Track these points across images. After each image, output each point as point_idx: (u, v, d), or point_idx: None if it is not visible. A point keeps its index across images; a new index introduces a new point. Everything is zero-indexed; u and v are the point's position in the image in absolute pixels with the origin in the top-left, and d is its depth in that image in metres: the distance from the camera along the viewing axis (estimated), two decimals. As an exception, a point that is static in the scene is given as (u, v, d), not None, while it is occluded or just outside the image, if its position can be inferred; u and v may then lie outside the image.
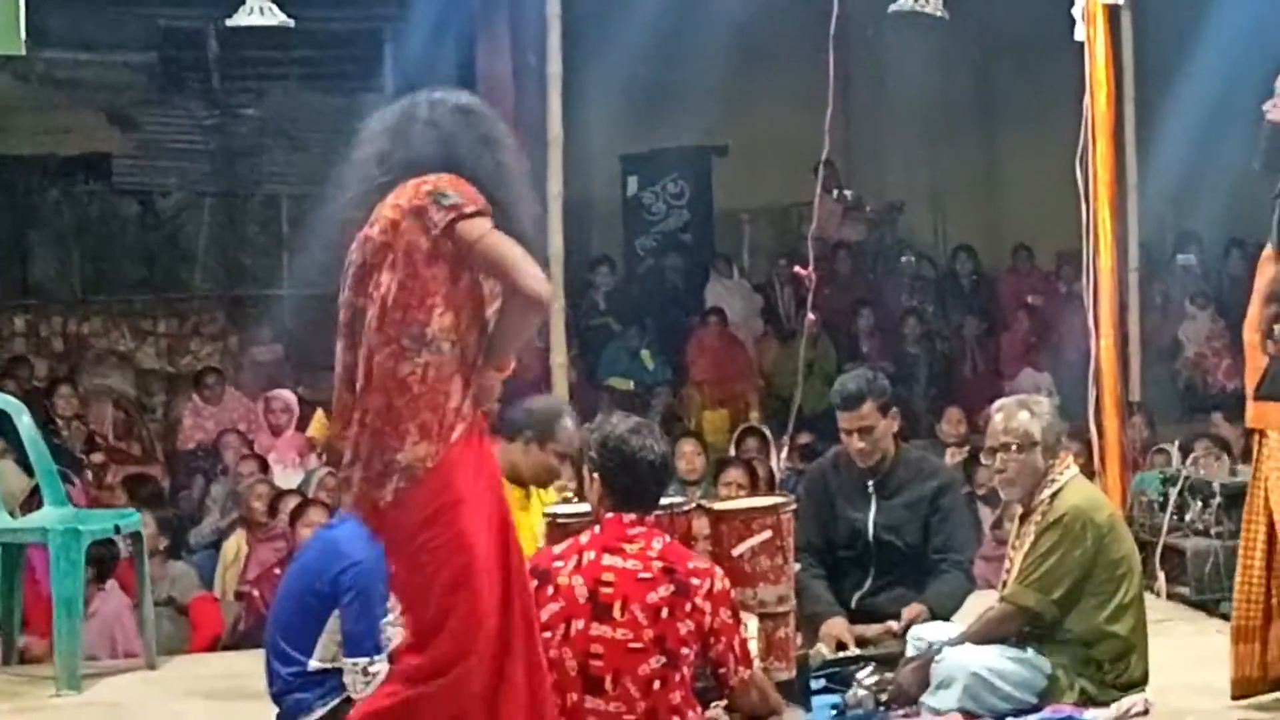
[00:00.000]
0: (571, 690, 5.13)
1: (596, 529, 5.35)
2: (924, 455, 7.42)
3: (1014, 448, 6.16)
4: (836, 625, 6.61)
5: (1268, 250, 5.96)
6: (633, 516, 5.30)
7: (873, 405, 6.73)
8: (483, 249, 4.41)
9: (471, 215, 4.42)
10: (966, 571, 6.85)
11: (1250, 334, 5.97)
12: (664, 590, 5.16)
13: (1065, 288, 14.12)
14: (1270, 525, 6.07)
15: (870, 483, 6.83)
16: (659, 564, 5.22)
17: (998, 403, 6.45)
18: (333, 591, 5.85)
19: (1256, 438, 6.11)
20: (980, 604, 6.52)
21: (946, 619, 6.50)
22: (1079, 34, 8.53)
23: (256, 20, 6.89)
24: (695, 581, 5.21)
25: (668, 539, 5.34)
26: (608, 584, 5.22)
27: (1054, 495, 6.11)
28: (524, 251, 4.43)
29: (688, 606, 5.18)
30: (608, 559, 5.24)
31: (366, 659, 5.82)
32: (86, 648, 7.50)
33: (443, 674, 4.44)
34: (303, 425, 11.59)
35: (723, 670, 5.25)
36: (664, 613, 5.14)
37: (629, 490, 5.34)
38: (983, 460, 7.37)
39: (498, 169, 4.58)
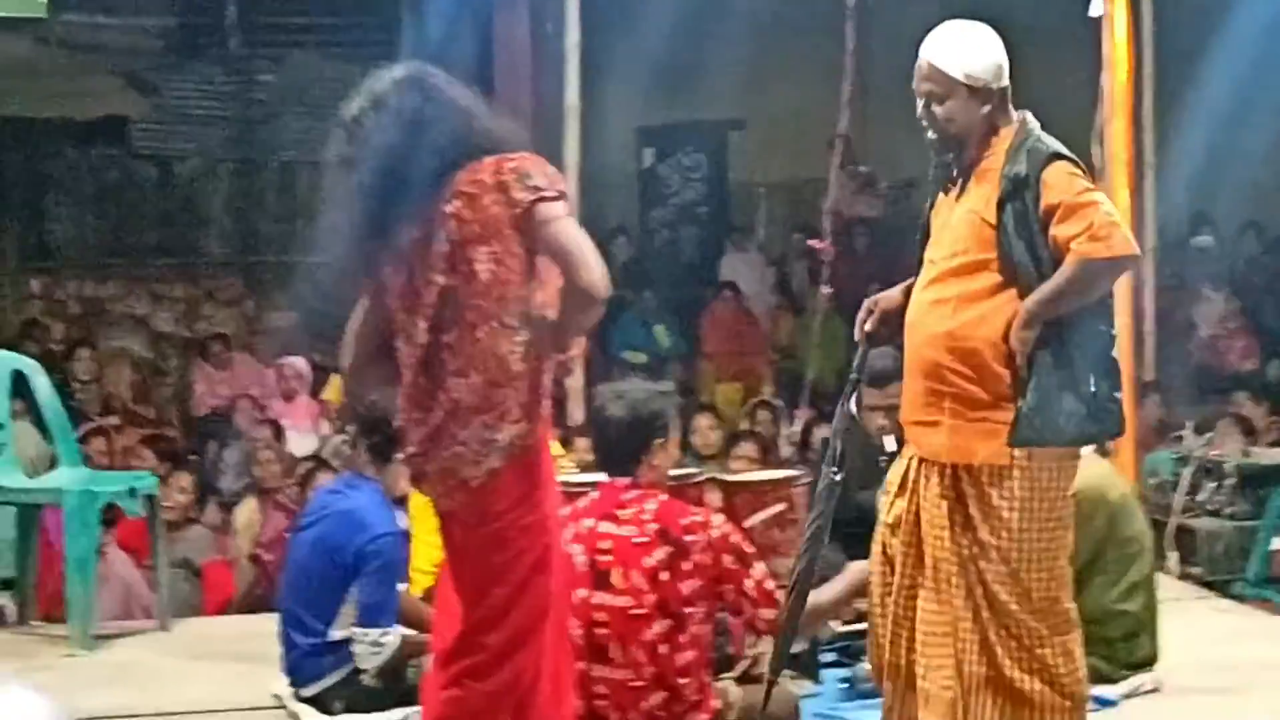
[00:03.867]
0: (579, 659, 5.15)
1: (594, 495, 5.35)
2: None
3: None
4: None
5: None
6: (627, 480, 5.31)
7: (900, 385, 6.72)
8: (551, 233, 4.36)
9: (552, 199, 4.41)
10: None
11: None
12: (660, 553, 5.12)
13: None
14: None
15: (882, 460, 6.82)
16: (654, 526, 5.20)
17: None
18: (355, 563, 5.88)
19: None
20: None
21: None
22: (1095, 10, 8.52)
23: (277, -14, 6.86)
24: (690, 538, 5.20)
25: (663, 498, 5.27)
26: (605, 551, 5.22)
27: (1067, 473, 6.11)
28: (590, 244, 4.38)
29: (687, 565, 5.17)
30: (604, 526, 5.24)
31: (379, 630, 5.86)
32: (100, 608, 7.55)
33: (511, 655, 4.43)
34: (316, 391, 11.62)
35: (743, 616, 5.25)
36: (663, 576, 5.11)
37: (604, 451, 5.36)
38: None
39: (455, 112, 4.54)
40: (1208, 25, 11.94)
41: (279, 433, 10.57)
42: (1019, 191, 4.78)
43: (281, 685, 6.14)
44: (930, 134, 4.95)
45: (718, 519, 5.32)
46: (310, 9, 13.68)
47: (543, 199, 4.38)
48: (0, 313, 13.62)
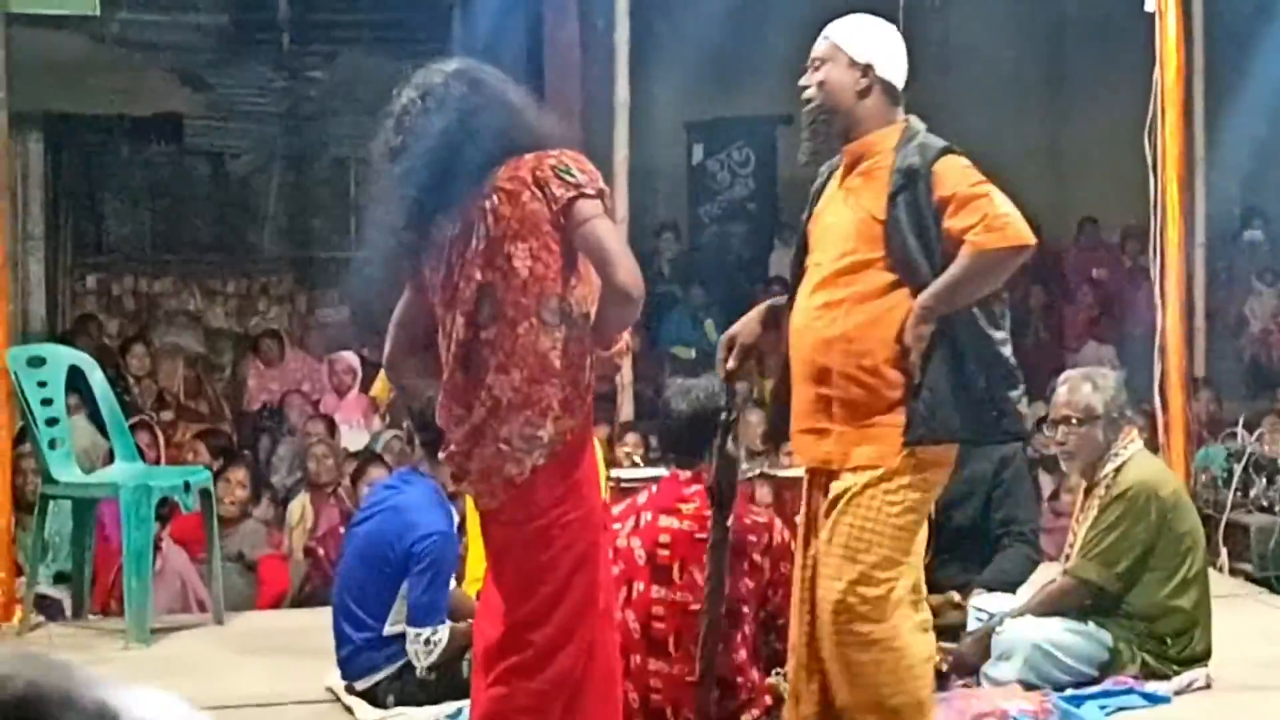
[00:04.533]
0: (635, 652, 5.16)
1: (653, 489, 5.36)
2: None
3: (1075, 420, 6.17)
4: None
5: None
6: (688, 475, 5.31)
7: None
8: (587, 231, 4.36)
9: (591, 196, 4.41)
10: (1032, 543, 6.82)
11: None
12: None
13: (1130, 261, 14.07)
14: None
15: None
16: (715, 523, 5.22)
17: (1064, 374, 6.46)
18: (404, 560, 5.91)
19: None
20: (1042, 577, 6.53)
21: (1011, 592, 6.51)
22: (1149, 5, 8.49)
23: (330, -16, 6.87)
24: (752, 538, 5.21)
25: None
26: (665, 545, 5.24)
27: (1118, 469, 6.12)
28: (625, 245, 4.41)
29: (745, 564, 5.18)
30: (664, 520, 5.26)
31: (430, 629, 5.88)
32: (155, 602, 7.60)
33: (556, 652, 4.44)
34: (367, 386, 11.67)
35: (782, 622, 5.26)
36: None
37: (675, 440, 5.37)
38: (1045, 431, 7.37)
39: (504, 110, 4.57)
40: (1259, 21, 11.89)
41: (331, 428, 10.62)
42: (910, 184, 4.71)
43: (335, 679, 6.18)
44: (803, 103, 4.92)
45: (778, 524, 5.33)
46: (362, 6, 13.72)
47: (581, 195, 4.39)
48: (56, 308, 13.70)
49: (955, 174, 4.70)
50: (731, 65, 14.25)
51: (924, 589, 4.87)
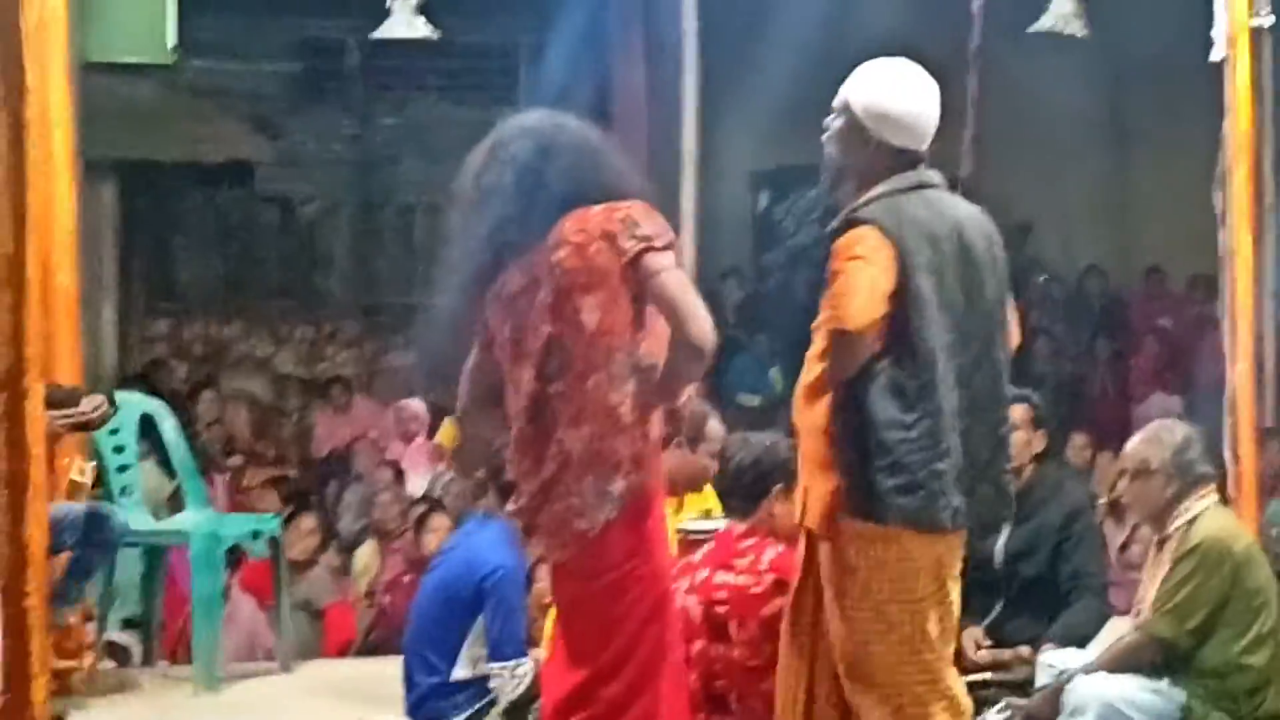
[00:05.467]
0: (697, 711, 5.14)
1: (710, 545, 5.35)
2: (1062, 479, 7.24)
3: (1130, 474, 6.15)
4: (975, 632, 6.55)
5: None
6: (743, 528, 5.30)
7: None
8: (659, 284, 4.38)
9: (660, 249, 4.42)
10: (1102, 597, 6.77)
11: None
12: (777, 603, 5.13)
13: (1197, 310, 13.99)
14: None
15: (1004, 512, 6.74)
16: (770, 576, 5.20)
17: (1147, 426, 6.42)
18: (475, 598, 5.93)
19: None
20: (1113, 632, 6.48)
21: (1081, 647, 6.46)
22: (1216, 55, 8.45)
23: (403, 33, 6.92)
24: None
25: (781, 548, 5.30)
26: (721, 602, 5.22)
27: (1189, 523, 6.07)
28: (696, 297, 4.39)
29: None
30: (720, 576, 5.24)
31: (514, 661, 5.89)
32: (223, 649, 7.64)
33: (628, 706, 4.43)
34: (433, 432, 11.69)
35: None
36: (780, 626, 5.13)
37: (732, 496, 5.36)
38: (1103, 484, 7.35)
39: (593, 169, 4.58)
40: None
41: (398, 475, 10.65)
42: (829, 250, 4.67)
43: (401, 724, 6.20)
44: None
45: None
46: (432, 55, 13.78)
47: (650, 249, 4.39)
48: (127, 353, 13.80)
49: (839, 246, 4.62)
50: (797, 113, 14.14)
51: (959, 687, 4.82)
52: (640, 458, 4.44)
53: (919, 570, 4.70)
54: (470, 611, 5.97)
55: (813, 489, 4.69)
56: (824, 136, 4.89)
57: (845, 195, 4.84)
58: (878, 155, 4.77)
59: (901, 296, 4.60)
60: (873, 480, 4.58)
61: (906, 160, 4.79)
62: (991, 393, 4.81)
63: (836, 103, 4.87)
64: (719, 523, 5.73)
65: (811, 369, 4.72)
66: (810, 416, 4.69)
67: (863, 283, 4.51)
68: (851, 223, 4.66)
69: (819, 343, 4.70)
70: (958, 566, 4.82)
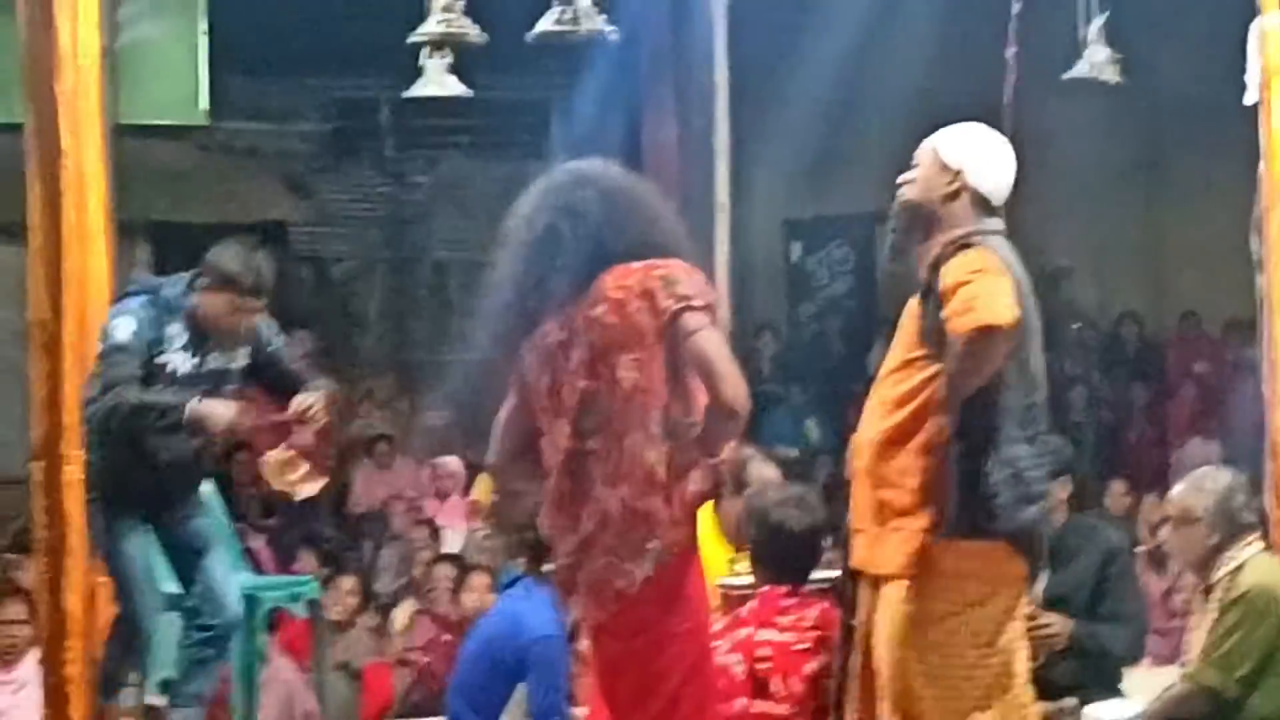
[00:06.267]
0: (742, 767, 5.11)
1: (753, 603, 5.33)
2: (1096, 524, 7.22)
3: (1174, 521, 6.13)
4: None
5: None
6: (785, 589, 5.28)
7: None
8: (695, 344, 4.38)
9: (699, 309, 4.41)
10: (1137, 630, 6.69)
11: None
12: (821, 659, 5.13)
13: (1234, 356, 13.92)
14: None
15: None
16: (814, 633, 5.18)
17: (1192, 473, 6.40)
18: (517, 662, 5.91)
19: None
20: (1159, 682, 6.42)
21: (1115, 658, 6.38)
22: (1250, 98, 8.42)
23: (435, 90, 6.92)
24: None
25: (824, 605, 5.29)
26: (764, 659, 5.19)
27: (1235, 572, 6.02)
28: (731, 358, 4.40)
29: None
30: (762, 634, 5.21)
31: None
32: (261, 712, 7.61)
33: None
34: (469, 490, 11.67)
35: None
36: (824, 683, 5.10)
37: (776, 562, 5.33)
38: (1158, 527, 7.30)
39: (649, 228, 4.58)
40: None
41: (435, 533, 10.63)
42: (932, 280, 4.75)
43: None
44: (894, 203, 4.98)
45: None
46: (463, 110, 13.81)
47: (689, 308, 4.38)
48: (163, 416, 13.80)
49: (958, 264, 4.71)
50: (829, 163, 14.28)
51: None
52: (678, 515, 4.43)
53: (1011, 596, 4.78)
54: (513, 677, 5.95)
55: (888, 537, 4.74)
56: (902, 179, 5.00)
57: (917, 239, 4.95)
58: (962, 201, 4.91)
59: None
60: (995, 492, 4.67)
61: (986, 211, 4.94)
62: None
63: (920, 154, 5.01)
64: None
65: (887, 417, 4.77)
66: (895, 463, 4.74)
67: (1001, 285, 4.64)
68: (963, 246, 4.76)
69: (898, 384, 4.77)
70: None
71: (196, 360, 6.33)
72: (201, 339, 6.36)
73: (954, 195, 4.91)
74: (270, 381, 6.57)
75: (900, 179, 5.02)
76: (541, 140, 13.82)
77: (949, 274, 4.70)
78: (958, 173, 4.92)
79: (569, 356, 4.47)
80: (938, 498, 4.70)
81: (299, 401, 6.35)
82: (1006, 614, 4.81)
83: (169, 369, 6.24)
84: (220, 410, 6.16)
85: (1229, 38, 8.53)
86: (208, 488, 7.80)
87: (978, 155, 4.97)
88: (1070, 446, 6.95)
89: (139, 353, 6.15)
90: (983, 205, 4.94)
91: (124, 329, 6.17)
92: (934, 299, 4.74)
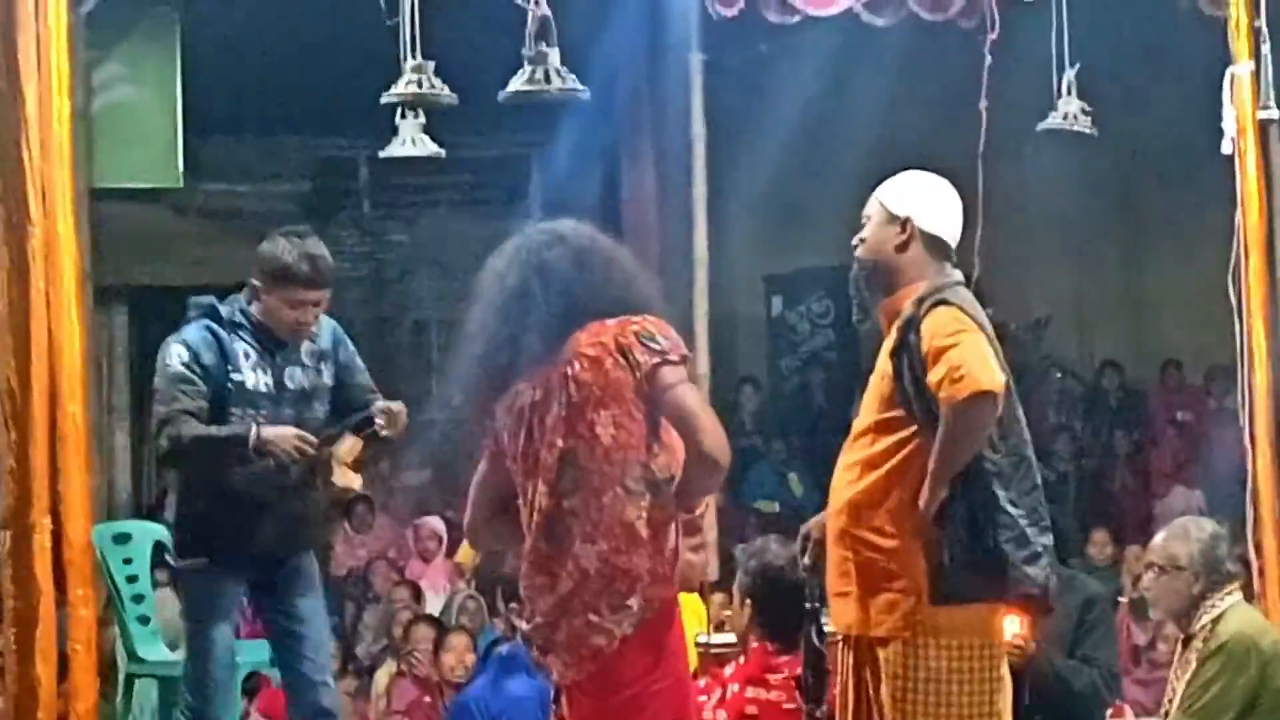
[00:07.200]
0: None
1: (741, 659, 5.30)
2: (1075, 573, 7.19)
3: (1159, 568, 6.10)
4: None
5: None
6: (775, 646, 5.25)
7: None
8: (672, 398, 4.37)
9: (675, 363, 4.41)
10: (1105, 679, 6.64)
11: None
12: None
13: (1216, 403, 13.92)
14: None
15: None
16: (807, 692, 5.15)
17: (1173, 522, 6.38)
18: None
19: None
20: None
21: (1083, 698, 6.35)
22: (1226, 148, 8.45)
23: (409, 151, 6.94)
24: None
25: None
26: (752, 717, 5.17)
27: (1215, 621, 6.00)
28: (710, 412, 4.40)
29: None
30: (751, 691, 5.19)
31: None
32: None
33: None
34: (452, 551, 11.61)
35: None
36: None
37: (777, 619, 5.30)
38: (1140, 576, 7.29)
39: (621, 286, 4.57)
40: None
41: (417, 594, 10.57)
42: (905, 338, 4.72)
43: None
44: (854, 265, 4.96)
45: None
46: (442, 169, 13.85)
47: (665, 363, 4.38)
48: (141, 479, 13.76)
49: (936, 325, 4.69)
50: (808, 216, 14.29)
51: None
52: (657, 572, 4.41)
53: (1000, 658, 4.77)
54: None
55: (879, 597, 4.70)
56: (855, 239, 4.99)
57: (880, 295, 4.93)
58: (914, 245, 4.87)
59: None
60: (1002, 554, 4.66)
61: (941, 254, 4.90)
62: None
63: (868, 208, 4.99)
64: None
65: (859, 481, 4.76)
66: (871, 526, 4.72)
67: (983, 348, 4.64)
68: (934, 305, 4.73)
69: (869, 446, 4.75)
70: None
71: (270, 376, 6.02)
72: (271, 351, 6.05)
73: (906, 245, 4.88)
74: (343, 401, 6.22)
75: (854, 239, 5.00)
76: (521, 197, 13.83)
77: (929, 337, 4.67)
78: (906, 221, 4.88)
79: (544, 416, 4.45)
80: (927, 559, 4.67)
81: (381, 406, 6.07)
82: (996, 667, 4.76)
83: (248, 386, 5.97)
84: (284, 432, 5.85)
85: (1206, 86, 8.57)
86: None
87: (923, 200, 4.93)
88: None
89: (196, 380, 5.88)
90: (938, 250, 4.91)
91: (175, 359, 5.95)
92: (907, 359, 4.71)
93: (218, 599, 6.09)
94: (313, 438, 5.89)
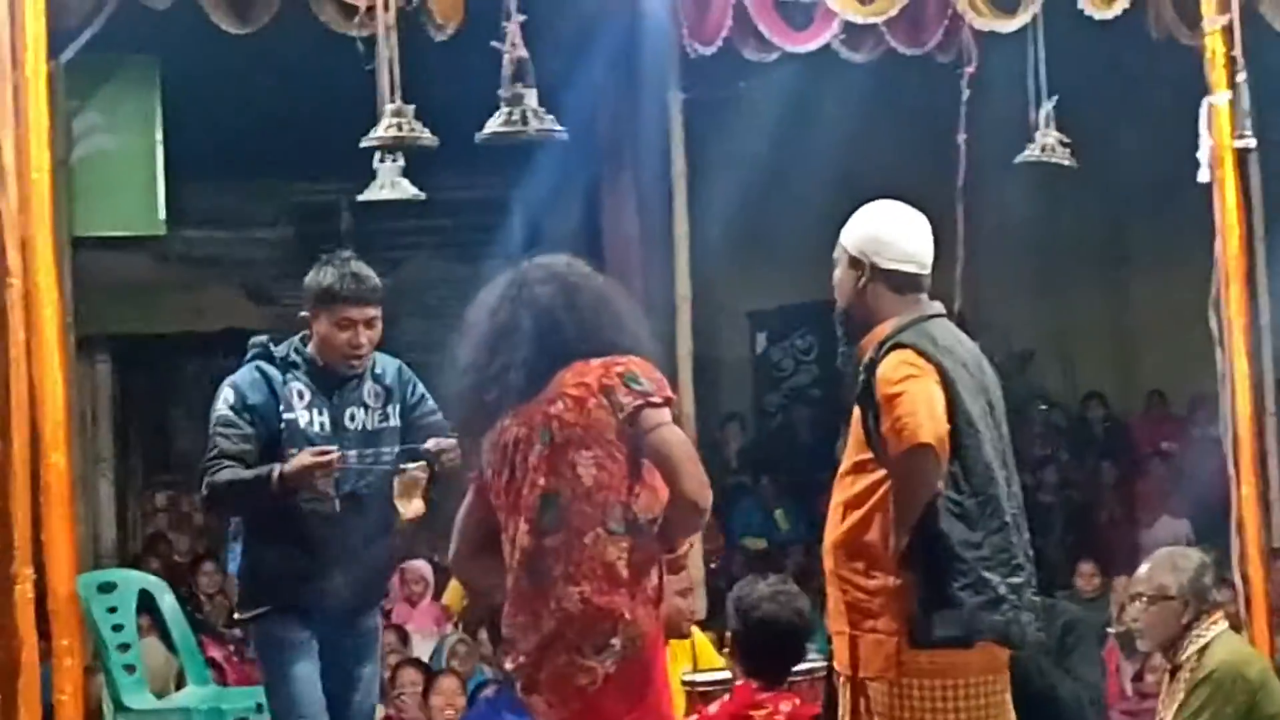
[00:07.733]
0: None
1: (726, 697, 5.31)
2: (1054, 601, 7.18)
3: (1146, 599, 6.10)
4: None
5: None
6: (759, 684, 5.25)
7: None
8: (654, 441, 4.37)
9: (657, 405, 4.40)
10: (1091, 694, 6.63)
11: None
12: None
13: (1200, 432, 13.93)
14: None
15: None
16: (789, 728, 5.15)
17: (1157, 552, 6.39)
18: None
19: None
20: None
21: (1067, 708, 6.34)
22: (1203, 176, 8.48)
23: (388, 194, 6.94)
24: None
25: (797, 702, 5.27)
26: (736, 755, 5.16)
27: (1202, 650, 6.01)
28: (693, 453, 4.40)
29: None
30: (735, 729, 5.19)
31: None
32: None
33: None
34: (439, 593, 11.57)
35: None
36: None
37: (760, 656, 5.30)
38: (1126, 607, 7.29)
39: (610, 323, 4.56)
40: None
41: (404, 638, 10.53)
42: (868, 382, 4.71)
43: None
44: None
45: None
46: (424, 212, 13.86)
47: (648, 405, 4.38)
48: (126, 528, 13.72)
49: (887, 371, 4.68)
50: (791, 252, 14.28)
51: None
52: (639, 610, 4.41)
53: (996, 693, 4.75)
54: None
55: (866, 636, 4.71)
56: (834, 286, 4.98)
57: (858, 333, 4.90)
58: (877, 284, 4.82)
59: (951, 417, 4.64)
60: (958, 601, 4.61)
61: (908, 287, 4.84)
62: (1021, 510, 4.85)
63: (835, 251, 4.96)
64: (724, 673, 5.67)
65: (841, 522, 4.77)
66: (854, 566, 4.73)
67: (924, 397, 4.59)
68: (889, 349, 4.70)
69: (850, 487, 4.75)
70: None
71: (327, 416, 5.82)
72: (328, 391, 5.88)
73: (868, 286, 4.84)
74: (418, 442, 5.86)
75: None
76: (503, 238, 13.82)
77: (881, 384, 4.66)
78: (864, 263, 4.84)
79: (527, 454, 4.46)
80: (903, 602, 4.66)
81: (437, 443, 5.69)
82: (990, 704, 4.76)
83: (300, 426, 5.77)
84: (300, 460, 5.62)
85: (1184, 115, 8.61)
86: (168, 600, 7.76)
87: (879, 238, 4.86)
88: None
89: (241, 424, 5.71)
90: (905, 284, 4.85)
91: (221, 403, 5.79)
92: (870, 403, 4.70)
93: (292, 636, 5.87)
94: (329, 448, 5.66)
